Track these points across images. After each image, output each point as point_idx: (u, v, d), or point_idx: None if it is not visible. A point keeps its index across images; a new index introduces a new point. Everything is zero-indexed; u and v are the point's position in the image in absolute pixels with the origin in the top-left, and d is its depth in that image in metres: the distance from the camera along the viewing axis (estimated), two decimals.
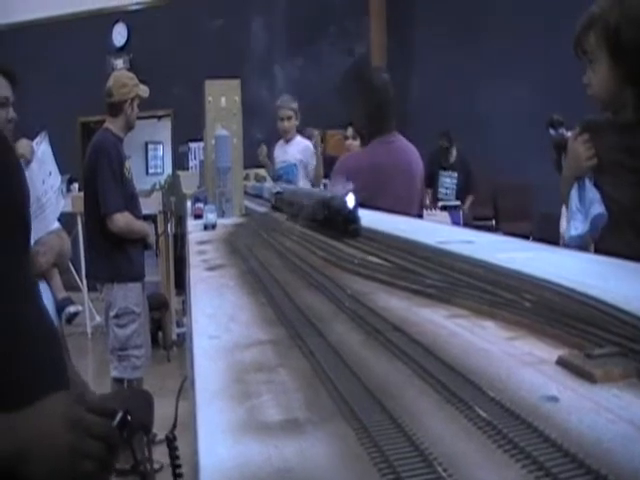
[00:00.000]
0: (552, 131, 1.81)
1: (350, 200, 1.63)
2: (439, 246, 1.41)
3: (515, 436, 0.52)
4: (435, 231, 1.96)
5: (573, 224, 1.78)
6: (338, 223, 1.65)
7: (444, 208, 7.41)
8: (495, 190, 8.61)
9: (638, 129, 1.76)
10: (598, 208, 1.73)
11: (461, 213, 7.40)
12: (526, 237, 4.84)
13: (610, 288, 0.94)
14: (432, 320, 0.90)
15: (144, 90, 4.34)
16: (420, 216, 3.64)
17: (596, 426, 0.55)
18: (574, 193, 1.80)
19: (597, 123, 1.87)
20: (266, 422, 0.60)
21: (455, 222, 6.88)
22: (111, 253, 4.18)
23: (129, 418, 1.07)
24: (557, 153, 1.92)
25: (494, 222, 8.43)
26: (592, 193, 1.76)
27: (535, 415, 0.56)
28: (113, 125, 4.29)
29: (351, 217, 1.63)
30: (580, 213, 1.77)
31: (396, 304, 0.99)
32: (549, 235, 4.42)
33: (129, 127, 4.37)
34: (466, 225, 6.70)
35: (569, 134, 1.84)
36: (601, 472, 0.45)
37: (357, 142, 5.05)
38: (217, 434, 0.58)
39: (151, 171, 14.93)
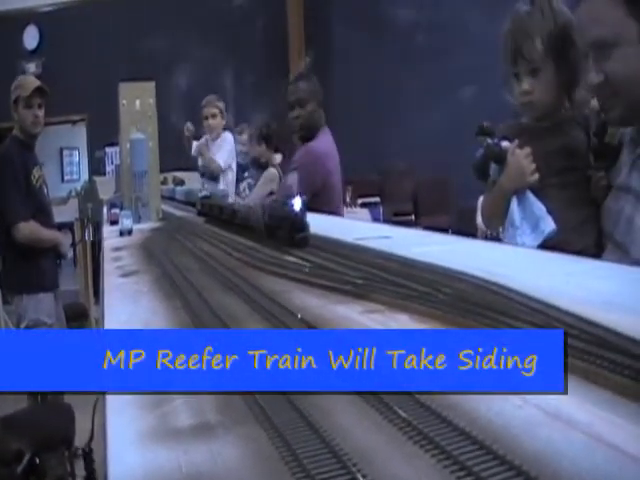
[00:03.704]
0: (489, 140, 1.73)
1: (297, 203, 1.41)
2: (357, 243, 1.42)
3: (425, 427, 0.52)
4: (354, 228, 1.97)
5: (519, 239, 1.71)
6: (283, 231, 1.46)
7: (364, 205, 7.48)
8: (415, 186, 8.73)
9: (572, 127, 1.76)
10: (550, 224, 1.67)
11: (381, 209, 7.46)
12: (445, 231, 4.94)
13: (521, 277, 0.96)
14: (346, 316, 0.90)
15: (25, 89, 4.09)
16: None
17: (504, 412, 0.56)
18: (515, 206, 1.75)
19: (529, 128, 1.84)
20: (177, 427, 0.59)
21: (375, 218, 6.97)
22: (20, 263, 4.03)
23: (37, 460, 1.01)
24: (486, 163, 1.84)
25: (414, 217, 8.55)
26: (537, 207, 1.72)
27: (444, 405, 0.56)
28: (17, 131, 4.16)
29: (298, 224, 1.42)
30: (525, 227, 1.72)
31: (312, 302, 0.99)
32: (467, 228, 4.52)
33: (25, 131, 4.12)
34: (386, 221, 6.79)
35: (505, 144, 1.80)
36: (507, 458, 0.46)
37: (263, 147, 5.38)
38: (127, 443, 0.57)
39: (67, 178, 14.54)
